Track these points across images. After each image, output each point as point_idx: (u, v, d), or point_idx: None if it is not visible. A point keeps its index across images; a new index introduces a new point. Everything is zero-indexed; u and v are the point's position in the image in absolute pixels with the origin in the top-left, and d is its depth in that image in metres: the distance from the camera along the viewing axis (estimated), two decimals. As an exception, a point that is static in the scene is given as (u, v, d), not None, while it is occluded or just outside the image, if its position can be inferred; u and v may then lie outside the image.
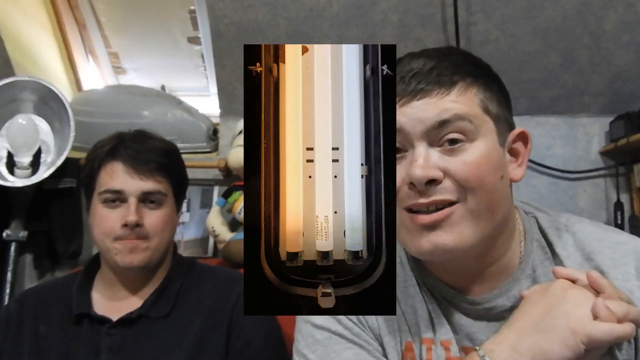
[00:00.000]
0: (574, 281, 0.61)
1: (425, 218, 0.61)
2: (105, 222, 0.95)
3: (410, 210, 0.63)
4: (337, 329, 0.70)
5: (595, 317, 0.55)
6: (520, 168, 0.68)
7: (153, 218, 0.96)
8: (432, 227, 0.61)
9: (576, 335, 0.55)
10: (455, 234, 0.61)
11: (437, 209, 0.61)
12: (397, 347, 0.70)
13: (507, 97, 0.68)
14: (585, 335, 0.55)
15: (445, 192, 0.61)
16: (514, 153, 0.68)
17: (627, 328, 0.55)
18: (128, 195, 0.95)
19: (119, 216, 0.94)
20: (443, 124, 0.61)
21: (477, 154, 0.61)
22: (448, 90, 0.62)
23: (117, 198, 0.95)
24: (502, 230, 0.67)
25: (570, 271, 0.62)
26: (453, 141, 0.61)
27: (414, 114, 0.62)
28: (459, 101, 0.62)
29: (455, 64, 0.64)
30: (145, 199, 0.96)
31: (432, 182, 0.61)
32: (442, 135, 0.61)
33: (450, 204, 0.61)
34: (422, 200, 0.61)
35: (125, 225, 0.93)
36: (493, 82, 0.66)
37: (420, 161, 0.60)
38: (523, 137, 0.68)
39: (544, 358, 0.55)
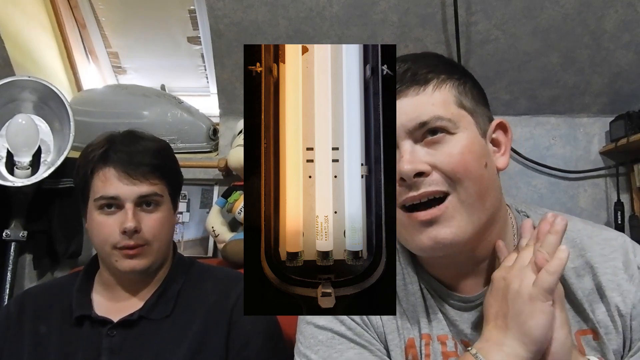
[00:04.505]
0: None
1: (422, 215, 0.63)
2: (103, 229, 0.94)
3: (405, 207, 0.64)
4: (339, 329, 0.70)
5: (539, 268, 0.60)
6: (503, 157, 0.70)
7: (151, 221, 0.96)
8: (430, 223, 0.63)
9: (537, 299, 0.58)
10: (452, 227, 0.63)
11: (429, 200, 0.63)
12: (401, 344, 0.71)
13: (482, 94, 0.71)
14: (541, 293, 0.58)
15: (434, 184, 0.63)
16: (495, 143, 0.71)
17: (560, 254, 0.60)
18: (124, 201, 0.94)
19: (116, 222, 0.93)
20: (423, 125, 0.64)
21: (460, 145, 0.64)
22: (424, 87, 0.65)
23: (113, 204, 0.94)
24: (494, 222, 0.68)
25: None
26: (434, 131, 0.64)
27: None
28: (435, 100, 0.64)
29: (429, 64, 0.67)
30: (142, 202, 0.95)
31: (421, 175, 0.63)
32: (423, 132, 0.64)
33: (442, 198, 0.63)
34: (413, 194, 0.63)
35: (124, 232, 0.92)
36: (466, 78, 0.69)
37: (407, 156, 0.63)
38: (502, 127, 0.71)
39: (531, 340, 0.59)
